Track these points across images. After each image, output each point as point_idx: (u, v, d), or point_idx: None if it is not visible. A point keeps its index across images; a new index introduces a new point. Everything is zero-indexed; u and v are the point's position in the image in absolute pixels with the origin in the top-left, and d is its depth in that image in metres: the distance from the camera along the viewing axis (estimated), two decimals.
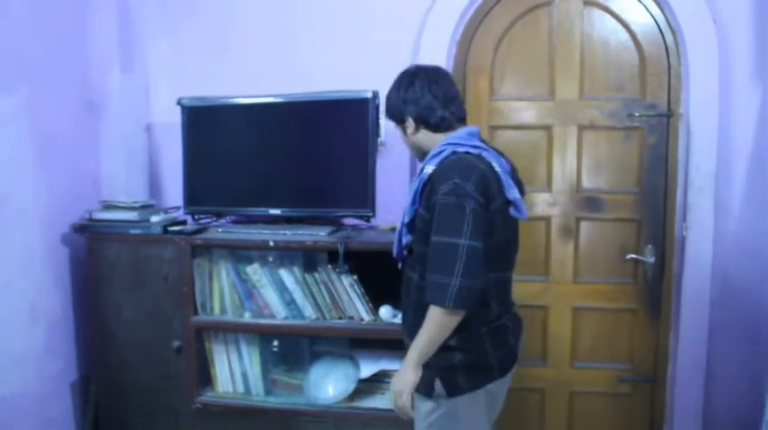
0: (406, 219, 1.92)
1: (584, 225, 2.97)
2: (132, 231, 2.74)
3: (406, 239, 1.97)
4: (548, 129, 2.94)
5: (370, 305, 2.60)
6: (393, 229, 2.76)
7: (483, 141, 1.97)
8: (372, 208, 2.71)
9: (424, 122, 1.95)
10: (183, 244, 2.66)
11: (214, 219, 2.97)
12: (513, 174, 1.99)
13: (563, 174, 2.94)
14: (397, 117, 2.00)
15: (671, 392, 2.92)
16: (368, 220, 2.75)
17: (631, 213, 2.92)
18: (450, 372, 1.86)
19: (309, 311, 2.64)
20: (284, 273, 2.64)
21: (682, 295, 2.83)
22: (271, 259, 2.66)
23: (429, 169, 1.86)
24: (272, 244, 2.59)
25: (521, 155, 2.71)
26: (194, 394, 2.72)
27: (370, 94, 2.62)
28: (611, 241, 2.95)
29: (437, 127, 1.95)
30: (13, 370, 2.60)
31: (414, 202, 1.90)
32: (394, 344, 2.60)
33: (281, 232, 2.66)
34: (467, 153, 1.85)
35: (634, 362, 3.00)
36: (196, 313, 2.70)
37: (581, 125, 2.91)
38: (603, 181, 2.93)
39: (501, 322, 1.94)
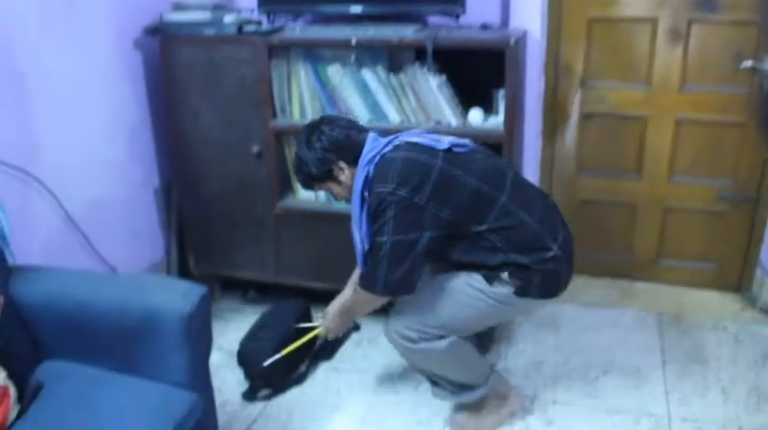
0: (366, 247, 1.97)
1: (695, 28, 2.66)
2: (206, 32, 2.59)
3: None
4: None
5: (459, 108, 2.44)
6: (485, 28, 2.55)
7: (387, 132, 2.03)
8: (462, 4, 2.47)
9: (353, 158, 1.96)
10: (260, 44, 2.50)
11: (290, 18, 2.78)
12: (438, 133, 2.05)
13: None
14: (324, 171, 1.99)
15: None
16: (457, 18, 2.53)
17: (752, 14, 2.58)
18: (527, 281, 1.95)
19: (394, 115, 2.51)
20: (367, 75, 2.48)
21: None
22: (353, 59, 2.50)
23: (366, 195, 1.93)
24: (354, 42, 2.40)
25: None
26: (275, 200, 2.69)
27: None
28: (726, 47, 2.65)
29: (357, 155, 1.96)
30: (101, 176, 2.60)
31: (365, 228, 1.96)
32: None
33: (364, 30, 2.47)
34: (382, 157, 1.91)
35: (736, 179, 2.80)
36: (275, 117, 2.60)
37: None
38: None
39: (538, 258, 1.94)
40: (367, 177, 1.92)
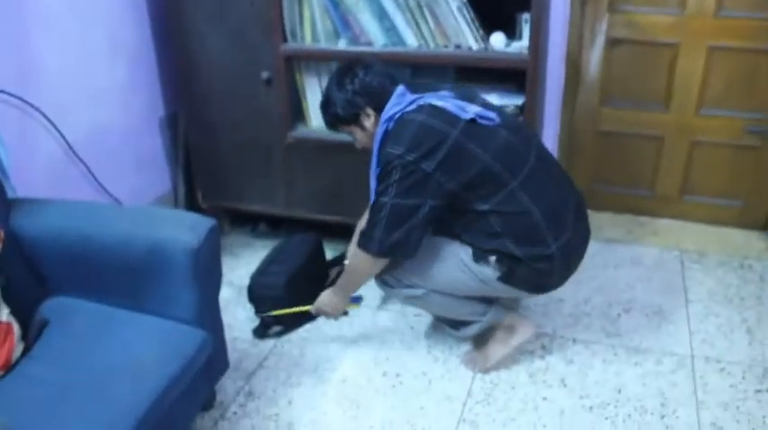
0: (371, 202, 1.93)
1: None
2: None
3: None
4: None
5: (481, 32, 2.29)
6: None
7: (418, 86, 1.93)
8: None
9: (381, 106, 1.90)
10: None
11: None
12: (470, 93, 1.97)
13: None
14: (351, 114, 1.94)
15: None
16: None
17: None
18: (512, 271, 1.91)
19: (411, 39, 2.35)
20: None
21: None
22: None
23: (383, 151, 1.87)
24: None
25: None
26: (286, 130, 2.57)
27: None
28: None
29: (385, 104, 1.90)
30: (102, 103, 2.48)
31: (374, 184, 1.92)
32: (505, 75, 2.35)
33: None
34: (402, 115, 1.85)
35: None
36: (285, 41, 2.45)
37: None
38: None
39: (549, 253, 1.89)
40: (386, 132, 1.88)
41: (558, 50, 2.66)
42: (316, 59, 2.48)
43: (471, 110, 1.85)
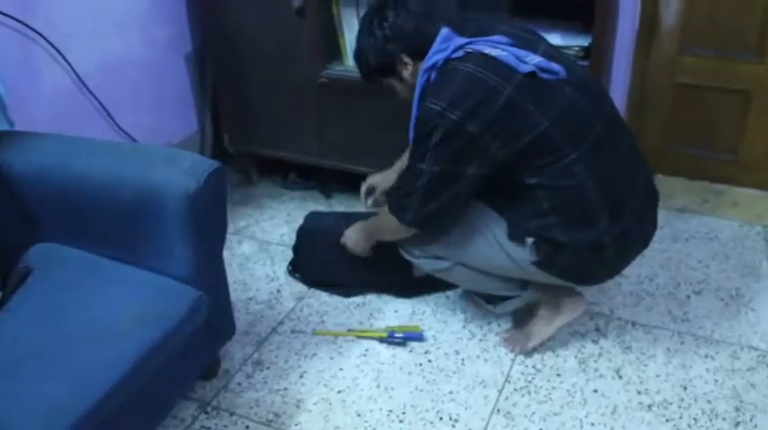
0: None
1: None
2: None
3: None
4: None
5: None
6: None
7: (467, 26, 1.61)
8: None
9: (420, 52, 1.59)
10: None
11: None
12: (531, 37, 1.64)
13: None
14: (385, 63, 1.65)
15: None
16: None
17: None
18: (552, 258, 1.62)
19: None
20: None
21: None
22: None
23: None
24: None
25: None
26: (319, 67, 2.29)
27: None
28: None
29: (425, 50, 1.59)
30: (116, 34, 2.24)
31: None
32: (570, 11, 2.01)
33: None
34: (446, 63, 1.55)
35: None
36: None
37: None
38: None
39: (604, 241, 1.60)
40: (427, 82, 1.60)
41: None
42: None
43: (531, 61, 1.52)
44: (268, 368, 1.84)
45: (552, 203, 1.56)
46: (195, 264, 1.53)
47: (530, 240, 1.61)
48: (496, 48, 1.53)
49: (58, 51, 2.03)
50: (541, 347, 1.85)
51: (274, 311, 2.04)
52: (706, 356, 1.82)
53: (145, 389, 1.40)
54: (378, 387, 1.77)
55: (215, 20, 2.39)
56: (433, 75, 1.58)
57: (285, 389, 1.77)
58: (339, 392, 1.75)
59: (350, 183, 2.45)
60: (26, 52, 1.95)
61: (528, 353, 1.84)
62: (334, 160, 2.47)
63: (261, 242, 2.36)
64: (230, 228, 2.42)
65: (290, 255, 2.23)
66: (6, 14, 1.85)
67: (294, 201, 2.58)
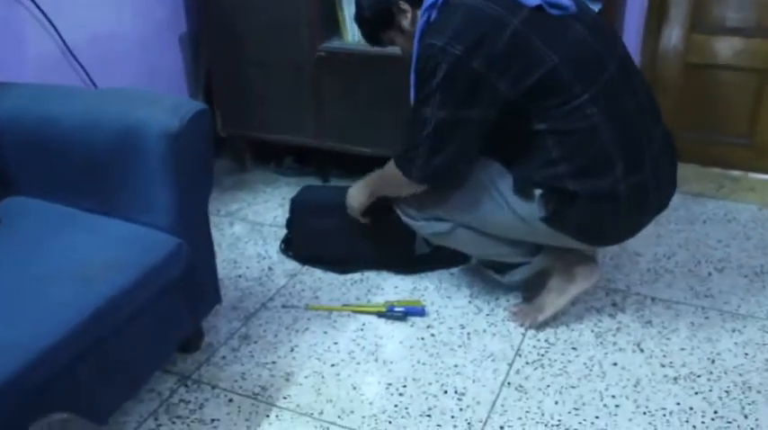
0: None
1: None
2: None
3: None
4: None
5: None
6: None
7: None
8: None
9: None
10: None
11: None
12: None
13: None
14: (381, 11, 1.55)
15: None
16: None
17: None
18: (562, 213, 1.47)
19: None
20: None
21: None
22: None
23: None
24: None
25: None
26: (317, 40, 2.19)
27: None
28: None
29: None
30: (108, 7, 2.13)
31: (413, 93, 1.54)
32: None
33: None
34: (446, 0, 1.44)
35: None
36: None
37: None
38: None
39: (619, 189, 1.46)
40: (427, 23, 1.47)
41: None
42: None
43: None
44: (255, 342, 1.68)
45: (563, 150, 1.43)
46: (176, 213, 1.39)
47: (537, 192, 1.47)
48: None
49: (46, 16, 1.92)
50: (554, 321, 1.70)
51: (264, 288, 1.89)
52: (733, 330, 1.67)
53: (116, 351, 1.26)
54: (376, 361, 1.61)
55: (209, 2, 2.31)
56: (434, 14, 1.47)
57: (273, 362, 1.61)
58: (333, 366, 1.60)
59: (348, 168, 2.34)
60: (10, 13, 1.85)
61: (540, 327, 1.69)
62: (331, 140, 2.35)
63: (253, 224, 2.23)
64: (221, 211, 2.30)
65: (284, 236, 2.09)
66: None
67: (290, 186, 2.45)
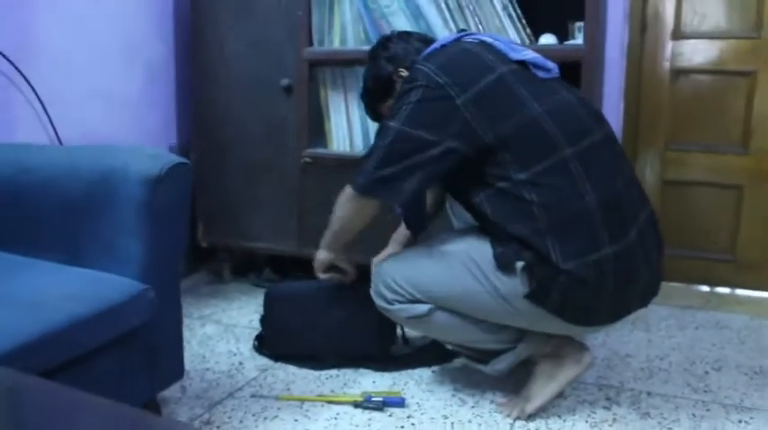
0: None
1: None
2: None
3: None
4: None
5: (528, 31, 2.01)
6: None
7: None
8: None
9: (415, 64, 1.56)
10: None
11: None
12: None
13: None
14: (383, 81, 1.63)
15: None
16: None
17: None
18: (545, 287, 1.40)
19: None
20: None
21: None
22: None
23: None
24: None
25: None
26: (303, 145, 2.24)
27: None
28: None
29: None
30: (106, 111, 2.21)
31: None
32: None
33: None
34: (441, 46, 1.54)
35: None
36: (311, 44, 2.21)
37: None
38: None
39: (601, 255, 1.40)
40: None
41: (616, 82, 2.35)
42: (341, 65, 2.20)
43: (526, 54, 1.49)
44: (218, 427, 1.53)
45: (541, 202, 1.38)
46: (146, 266, 1.33)
47: (520, 264, 1.41)
48: (493, 38, 1.53)
49: (45, 110, 1.98)
50: (544, 412, 1.57)
51: (233, 380, 1.76)
52: (740, 421, 1.54)
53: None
54: None
55: (200, 110, 2.40)
56: (429, 50, 1.56)
57: None
58: None
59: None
60: (10, 96, 1.89)
61: (529, 418, 1.55)
62: (313, 249, 2.31)
63: (226, 326, 2.13)
64: (194, 314, 2.20)
65: (257, 333, 1.99)
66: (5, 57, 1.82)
67: None
